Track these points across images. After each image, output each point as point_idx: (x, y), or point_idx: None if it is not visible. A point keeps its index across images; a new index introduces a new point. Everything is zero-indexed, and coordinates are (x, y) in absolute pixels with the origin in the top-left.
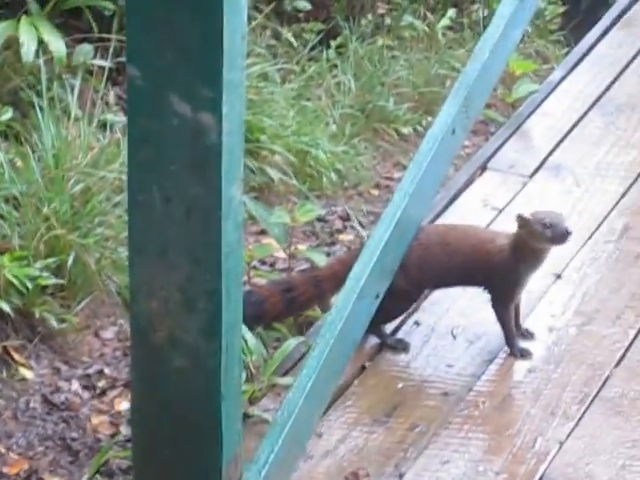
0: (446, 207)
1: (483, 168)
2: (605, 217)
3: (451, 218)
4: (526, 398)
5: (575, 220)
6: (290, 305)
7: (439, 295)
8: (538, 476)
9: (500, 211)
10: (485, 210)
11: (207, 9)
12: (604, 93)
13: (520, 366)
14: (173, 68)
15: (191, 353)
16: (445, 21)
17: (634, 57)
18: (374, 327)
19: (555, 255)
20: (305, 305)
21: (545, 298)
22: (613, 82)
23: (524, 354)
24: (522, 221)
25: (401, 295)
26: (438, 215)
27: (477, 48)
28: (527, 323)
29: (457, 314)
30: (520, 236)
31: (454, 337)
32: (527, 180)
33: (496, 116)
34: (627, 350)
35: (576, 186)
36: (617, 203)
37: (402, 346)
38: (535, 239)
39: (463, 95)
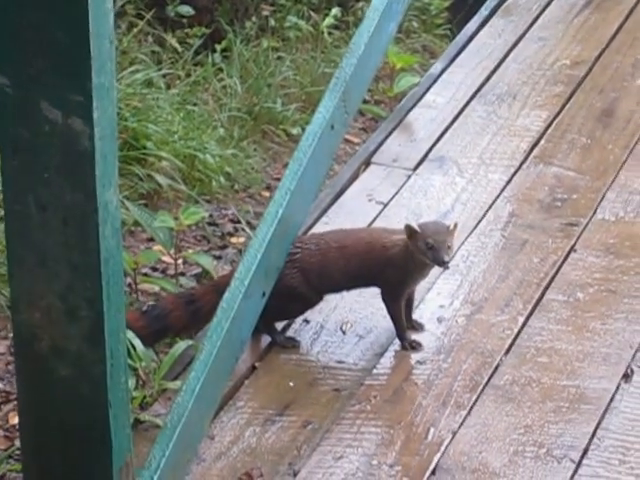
0: (332, 203)
1: (367, 163)
2: (490, 206)
3: (337, 214)
4: (418, 389)
5: (460, 210)
6: (194, 316)
7: None
8: (432, 466)
9: (385, 205)
10: (370, 204)
11: (73, 14)
12: (485, 82)
13: (411, 358)
14: (42, 74)
15: (76, 361)
16: (329, 20)
17: (514, 45)
18: (266, 325)
19: None
20: (210, 315)
21: (433, 289)
22: (494, 71)
23: (414, 346)
24: (410, 232)
25: (301, 300)
26: (324, 211)
27: (352, 42)
28: (416, 314)
29: (346, 310)
30: (408, 244)
31: (344, 333)
32: (411, 173)
33: (382, 112)
34: (516, 337)
35: (460, 177)
36: (502, 191)
37: (292, 344)
38: (418, 253)
39: (341, 90)
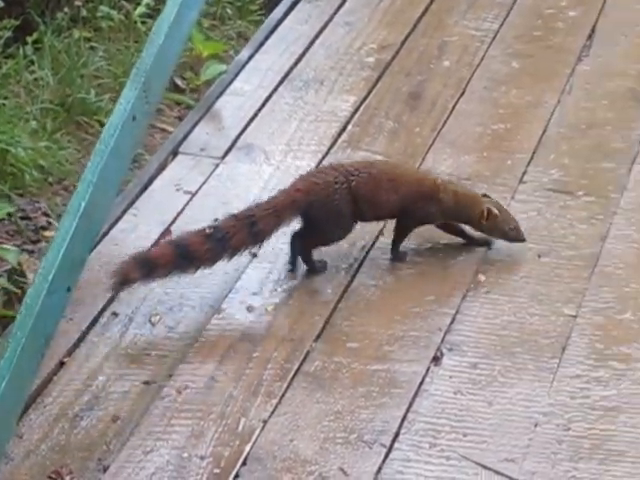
0: (140, 194)
1: (175, 153)
2: None
3: (145, 204)
4: (228, 380)
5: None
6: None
7: (135, 285)
8: (243, 457)
9: (193, 195)
10: (178, 194)
11: None
12: (292, 68)
13: (220, 348)
14: None
15: None
16: (142, 9)
17: (321, 30)
18: (305, 252)
19: None
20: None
21: (242, 278)
22: (301, 57)
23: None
24: (489, 213)
25: (345, 226)
26: (132, 202)
27: (153, 32)
28: (225, 303)
29: (154, 302)
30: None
31: (153, 325)
32: (219, 162)
33: (190, 101)
34: (326, 323)
35: (267, 164)
36: None
37: (324, 268)
38: (494, 232)
39: (141, 81)
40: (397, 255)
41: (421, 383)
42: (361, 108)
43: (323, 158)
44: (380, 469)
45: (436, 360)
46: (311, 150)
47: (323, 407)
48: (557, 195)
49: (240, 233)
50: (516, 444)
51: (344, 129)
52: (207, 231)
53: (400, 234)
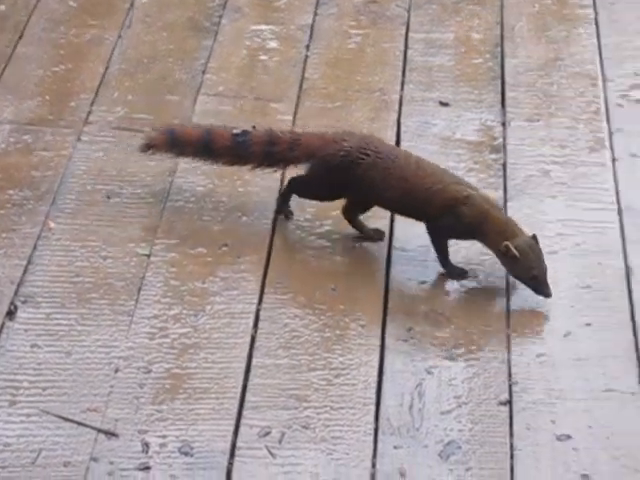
0: None
1: None
2: None
3: None
4: None
5: None
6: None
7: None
8: None
9: None
10: None
11: None
12: None
13: None
14: None
15: None
16: None
17: None
18: (286, 195)
19: None
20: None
21: None
22: None
23: (460, 274)
24: (508, 251)
25: (331, 191)
26: None
27: None
28: None
29: None
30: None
31: None
32: None
33: None
34: None
35: None
36: None
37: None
38: (514, 274)
39: None
40: (451, 272)
41: None
42: None
43: None
44: None
45: (10, 315)
46: None
47: None
48: (124, 133)
49: (258, 145)
50: (97, 392)
51: None
52: (234, 131)
53: (436, 250)
